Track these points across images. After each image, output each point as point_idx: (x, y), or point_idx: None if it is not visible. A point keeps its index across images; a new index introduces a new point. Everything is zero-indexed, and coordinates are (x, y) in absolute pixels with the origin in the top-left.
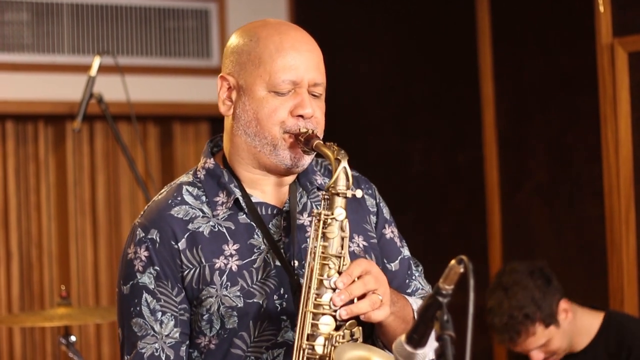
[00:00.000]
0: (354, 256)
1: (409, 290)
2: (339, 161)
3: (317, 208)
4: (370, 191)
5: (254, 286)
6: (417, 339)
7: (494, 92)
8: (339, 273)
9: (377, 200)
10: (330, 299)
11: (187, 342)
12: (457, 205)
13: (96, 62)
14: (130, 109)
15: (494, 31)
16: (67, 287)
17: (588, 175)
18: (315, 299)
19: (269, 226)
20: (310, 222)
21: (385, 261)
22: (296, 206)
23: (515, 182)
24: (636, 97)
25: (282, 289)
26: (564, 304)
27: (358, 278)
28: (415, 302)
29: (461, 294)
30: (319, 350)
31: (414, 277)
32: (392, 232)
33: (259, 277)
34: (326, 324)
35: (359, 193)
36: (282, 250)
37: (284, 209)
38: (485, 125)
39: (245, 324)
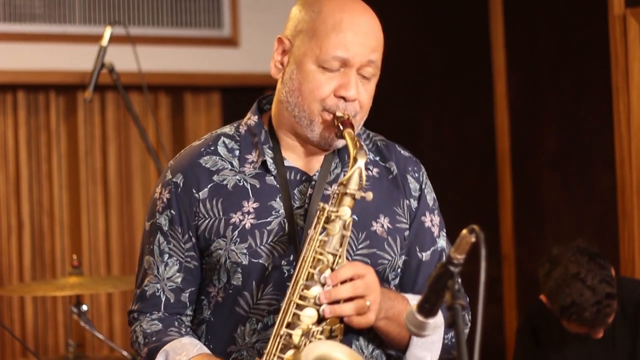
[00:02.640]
0: (374, 236)
1: None
2: (356, 160)
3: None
4: (417, 175)
5: (262, 247)
6: (428, 308)
7: (506, 62)
8: (332, 270)
9: (423, 186)
10: (317, 294)
11: (192, 289)
12: (468, 175)
13: (107, 32)
14: (141, 79)
15: (506, 1)
16: (78, 257)
17: (599, 145)
18: (303, 290)
19: (294, 191)
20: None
21: (418, 249)
22: (327, 176)
23: (526, 152)
24: None
25: (291, 256)
26: (612, 270)
27: (350, 280)
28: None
29: (471, 264)
30: (295, 339)
31: None
32: (432, 220)
33: (270, 239)
34: (308, 316)
35: (369, 196)
36: (300, 218)
37: (314, 177)
38: (497, 95)
39: (249, 283)
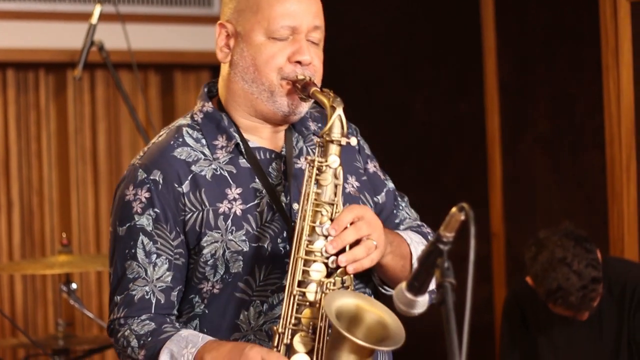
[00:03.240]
0: (349, 197)
1: (396, 221)
2: (334, 108)
3: (312, 153)
4: (350, 130)
5: (259, 230)
6: (417, 286)
7: (496, 41)
8: (332, 220)
9: (359, 138)
10: (323, 247)
11: (180, 287)
12: (458, 154)
13: (97, 10)
14: (131, 57)
15: None
16: (68, 235)
17: (590, 125)
18: (307, 246)
19: (269, 170)
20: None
21: (374, 194)
22: (293, 150)
23: (516, 132)
24: (638, 47)
25: (285, 233)
26: (598, 253)
27: (351, 224)
28: (408, 236)
29: (460, 242)
30: (310, 297)
31: (400, 208)
32: (375, 166)
33: (263, 220)
34: (317, 271)
35: (353, 141)
36: (282, 194)
37: (282, 152)
38: (487, 74)
39: (251, 268)
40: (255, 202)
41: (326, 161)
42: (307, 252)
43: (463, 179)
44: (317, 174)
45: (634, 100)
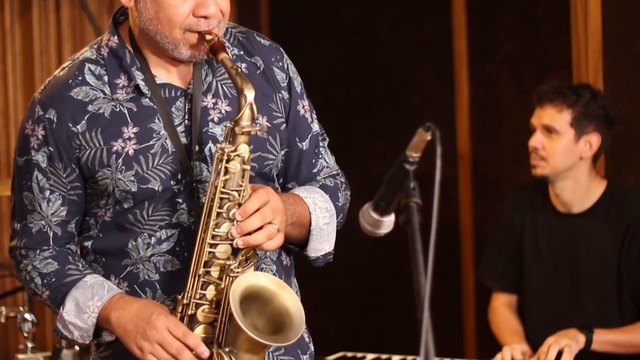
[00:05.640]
0: (255, 139)
1: (314, 170)
2: (245, 96)
3: (222, 88)
4: (280, 63)
5: (149, 172)
6: (383, 206)
7: None
8: (239, 205)
9: (289, 73)
10: (229, 231)
11: (77, 218)
12: (425, 76)
13: None
14: None
15: None
16: None
17: (557, 46)
18: (214, 229)
19: (172, 109)
20: (214, 104)
21: (297, 139)
22: (201, 87)
23: (484, 53)
24: None
25: (179, 175)
26: (596, 138)
27: (256, 210)
28: (314, 201)
29: (428, 164)
30: (215, 275)
31: (320, 155)
32: (304, 106)
33: (155, 162)
34: (223, 252)
35: (263, 128)
36: (182, 135)
37: (189, 90)
38: None
39: (140, 205)
40: (150, 143)
41: (235, 150)
42: (214, 236)
43: (430, 100)
44: (226, 162)
45: (602, 21)
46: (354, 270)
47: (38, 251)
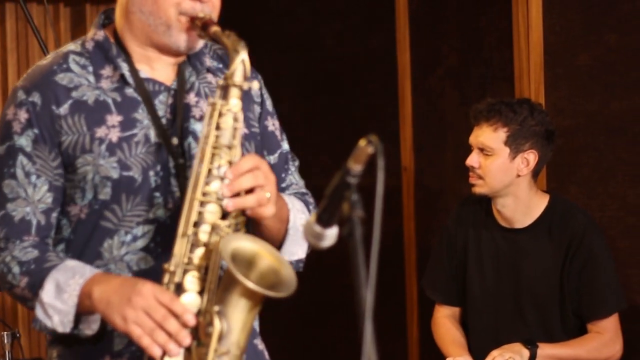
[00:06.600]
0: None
1: (283, 185)
2: (237, 52)
3: (211, 95)
4: (253, 74)
5: (132, 159)
6: (326, 219)
7: None
8: (230, 164)
9: (262, 92)
10: (219, 189)
11: (58, 209)
12: (370, 88)
13: None
14: None
15: None
16: None
17: (499, 59)
18: (204, 187)
19: (155, 102)
20: (197, 102)
21: (266, 153)
22: (184, 85)
23: (427, 66)
24: None
25: (159, 166)
26: (533, 155)
27: (248, 172)
28: (291, 202)
29: (371, 176)
30: (203, 237)
31: (290, 172)
32: (274, 124)
33: (138, 151)
34: (212, 212)
35: (255, 85)
36: (164, 128)
37: (172, 87)
38: (399, 8)
39: (118, 196)
40: (134, 131)
41: (227, 104)
42: (204, 194)
43: (374, 113)
44: (218, 117)
45: (543, 35)
46: (299, 283)
47: (18, 242)
